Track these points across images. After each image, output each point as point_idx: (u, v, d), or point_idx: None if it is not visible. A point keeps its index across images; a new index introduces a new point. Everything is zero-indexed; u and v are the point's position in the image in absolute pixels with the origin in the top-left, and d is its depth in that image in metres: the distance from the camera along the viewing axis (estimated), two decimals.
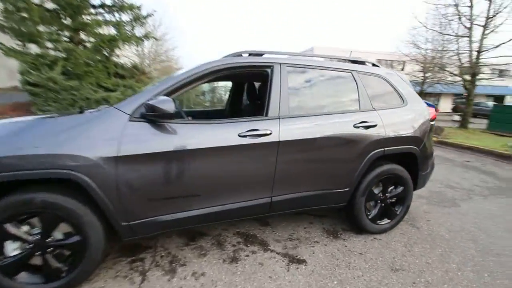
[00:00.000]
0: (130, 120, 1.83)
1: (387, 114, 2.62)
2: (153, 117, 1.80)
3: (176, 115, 1.91)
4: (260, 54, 2.34)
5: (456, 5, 11.53)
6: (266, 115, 2.17)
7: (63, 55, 9.10)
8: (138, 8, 9.89)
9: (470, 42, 11.55)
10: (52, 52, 9.33)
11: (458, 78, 13.08)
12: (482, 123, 15.02)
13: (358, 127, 2.42)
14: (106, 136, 1.76)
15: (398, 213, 2.83)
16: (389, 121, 2.58)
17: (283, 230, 2.78)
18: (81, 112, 2.18)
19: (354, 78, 2.57)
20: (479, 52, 11.49)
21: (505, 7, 10.74)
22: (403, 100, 2.79)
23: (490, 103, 20.48)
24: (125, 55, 11.50)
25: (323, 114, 2.37)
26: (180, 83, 1.99)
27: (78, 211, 1.77)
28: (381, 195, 2.72)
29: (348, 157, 2.43)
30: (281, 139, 2.12)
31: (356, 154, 2.44)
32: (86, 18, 9.65)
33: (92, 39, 9.58)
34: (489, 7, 11.15)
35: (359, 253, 2.42)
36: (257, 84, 3.25)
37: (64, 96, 8.58)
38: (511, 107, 12.46)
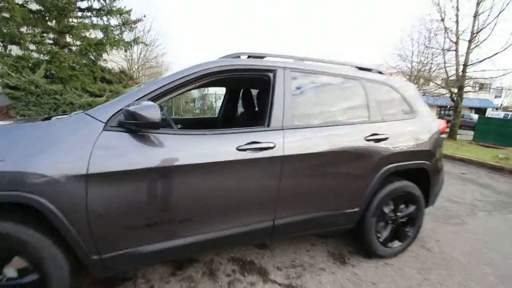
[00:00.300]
0: (105, 130, 1.47)
1: (398, 125, 2.35)
2: (134, 126, 1.45)
3: (163, 124, 1.58)
4: (261, 57, 2.03)
5: (443, 20, 11.68)
6: (268, 125, 1.85)
7: (46, 58, 8.60)
8: (127, 12, 9.53)
9: (457, 56, 11.69)
10: (35, 55, 8.81)
11: (445, 91, 13.22)
12: (468, 134, 15.19)
13: (369, 140, 2.13)
14: (73, 149, 1.39)
15: (409, 234, 2.54)
16: (400, 134, 2.31)
17: (284, 254, 2.43)
18: (47, 118, 1.80)
19: (362, 86, 2.30)
20: (465, 65, 11.64)
21: (488, 23, 10.94)
22: (413, 110, 2.53)
23: (474, 115, 20.90)
24: (113, 60, 11.04)
25: (331, 125, 2.07)
26: (167, 87, 1.64)
27: (35, 243, 1.38)
28: (392, 214, 2.43)
29: (359, 173, 2.13)
30: (285, 153, 1.80)
31: (367, 170, 2.15)
32: (72, 20, 9.21)
33: (78, 43, 9.14)
34: (474, 23, 11.35)
35: (371, 283, 2.10)
36: (253, 91, 2.95)
37: (46, 101, 8.05)
38: (495, 119, 12.63)
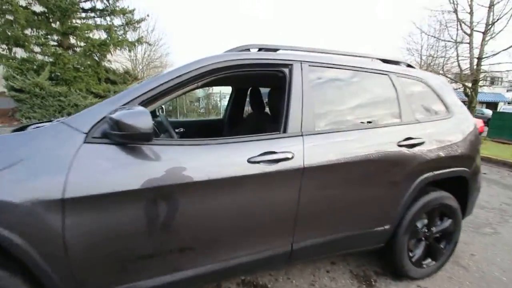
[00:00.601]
0: (86, 142, 1.17)
1: (433, 127, 2.00)
2: (119, 137, 1.15)
3: (157, 133, 1.28)
4: (274, 50, 1.70)
5: (456, 11, 11.12)
6: (284, 130, 1.52)
7: (50, 59, 8.43)
8: (131, 12, 9.29)
9: (471, 48, 11.13)
10: (39, 57, 8.65)
11: (457, 85, 12.66)
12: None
13: (403, 145, 1.79)
14: (45, 167, 1.10)
15: (444, 251, 2.19)
16: (436, 137, 1.96)
17: (301, 276, 2.11)
18: (22, 129, 1.51)
19: (392, 81, 1.95)
20: (479, 58, 11.07)
21: (505, 13, 10.35)
22: (448, 109, 2.17)
23: (486, 110, 20.12)
24: (117, 60, 10.83)
25: (358, 128, 1.73)
26: (163, 88, 1.32)
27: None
28: (426, 230, 2.09)
29: (391, 185, 1.79)
30: (306, 165, 1.48)
31: (400, 180, 1.81)
32: (76, 22, 9.01)
33: (82, 44, 8.94)
34: (488, 14, 10.77)
35: None
36: (261, 90, 2.62)
37: (51, 103, 7.88)
38: (510, 114, 12.02)
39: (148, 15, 9.58)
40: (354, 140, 1.67)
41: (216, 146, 1.37)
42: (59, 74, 8.37)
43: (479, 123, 2.35)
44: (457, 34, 11.79)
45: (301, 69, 1.63)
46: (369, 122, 1.80)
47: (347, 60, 1.84)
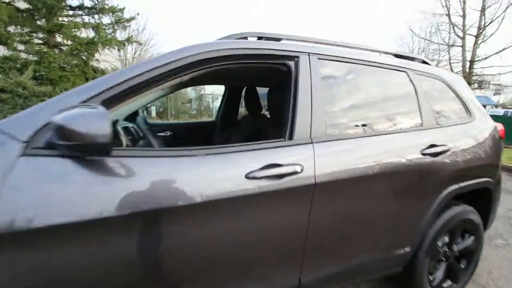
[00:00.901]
0: (25, 155, 0.85)
1: (456, 133, 1.72)
2: (67, 149, 0.83)
3: (136, 139, 0.96)
4: (277, 39, 1.39)
5: (448, 15, 11.07)
6: (290, 137, 1.21)
7: (35, 58, 7.95)
8: (121, 10, 8.89)
9: (464, 51, 11.08)
10: (23, 55, 8.16)
11: None
12: None
13: (426, 154, 1.51)
14: None
15: (465, 272, 1.92)
16: (460, 144, 1.68)
17: None
18: None
19: (411, 79, 1.67)
20: (471, 62, 11.03)
21: (497, 17, 10.33)
22: (469, 111, 1.90)
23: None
24: (106, 60, 10.39)
25: (377, 134, 1.44)
26: (135, 82, 1.00)
27: None
28: (447, 249, 1.81)
29: (415, 200, 1.51)
30: (318, 179, 1.18)
31: (425, 194, 1.52)
32: (62, 19, 8.57)
33: (69, 42, 8.49)
34: (480, 17, 10.74)
35: None
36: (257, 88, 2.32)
37: (35, 103, 7.38)
38: (505, 117, 12.00)
39: (138, 14, 9.19)
40: (373, 148, 1.37)
41: (205, 158, 1.05)
42: (43, 73, 7.90)
43: (499, 126, 2.09)
44: (449, 37, 11.76)
45: (309, 63, 1.32)
46: (389, 127, 1.51)
47: (362, 54, 1.55)
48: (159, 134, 2.34)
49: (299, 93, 1.26)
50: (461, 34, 11.05)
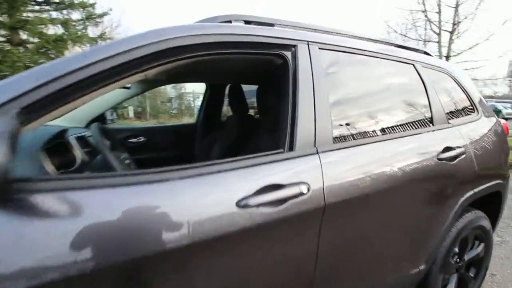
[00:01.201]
0: None
1: (468, 132, 1.53)
2: None
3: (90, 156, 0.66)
4: (269, 24, 1.11)
5: (425, 11, 11.23)
6: (291, 147, 0.94)
7: None
8: (91, 5, 8.28)
9: (440, 47, 11.29)
10: None
11: None
12: None
13: (442, 158, 1.29)
14: None
15: (476, 280, 1.75)
16: (473, 144, 1.49)
17: None
18: None
19: (419, 73, 1.45)
20: (447, 57, 11.25)
21: (470, 14, 10.59)
22: (477, 109, 1.73)
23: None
24: None
25: (391, 137, 1.20)
26: (68, 81, 0.66)
27: None
28: (458, 260, 1.62)
29: (432, 212, 1.29)
30: (328, 200, 0.92)
31: (442, 205, 1.31)
32: (27, 15, 7.86)
33: (36, 39, 7.82)
34: (455, 13, 10.98)
35: None
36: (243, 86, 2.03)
37: None
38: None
39: (111, 9, 8.60)
40: (388, 156, 1.13)
41: (181, 184, 0.76)
42: (7, 73, 7.20)
43: (503, 123, 1.93)
44: (425, 34, 11.93)
45: (309, 53, 1.06)
46: (398, 127, 1.28)
47: (367, 44, 1.30)
48: (130, 140, 2.02)
49: (299, 91, 0.99)
50: (437, 30, 11.25)
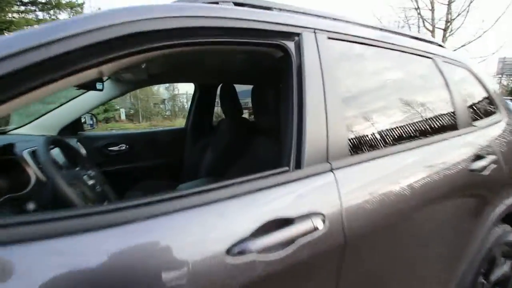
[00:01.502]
0: None
1: (495, 135, 1.33)
2: None
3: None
4: (266, 7, 0.89)
5: (418, 9, 11.13)
6: (298, 164, 0.70)
7: None
8: (80, 6, 7.97)
9: None
10: None
11: None
12: None
13: (474, 169, 1.08)
14: None
15: None
16: (503, 149, 1.29)
17: None
18: None
19: (439, 69, 1.24)
20: None
21: (462, 11, 10.52)
22: (497, 108, 1.52)
23: None
24: None
25: (416, 146, 0.97)
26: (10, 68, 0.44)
27: None
28: (485, 281, 1.42)
29: (462, 234, 1.09)
30: (349, 233, 0.70)
31: (475, 223, 1.11)
32: (12, 15, 7.52)
33: None
34: (447, 11, 10.91)
35: None
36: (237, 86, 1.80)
37: None
38: None
39: (100, 9, 8.28)
40: (415, 169, 0.92)
41: (150, 225, 0.52)
42: None
43: None
44: (418, 31, 11.83)
45: (317, 44, 0.84)
46: (424, 132, 1.06)
47: (385, 34, 1.08)
48: (110, 149, 1.77)
49: (306, 92, 0.77)
50: (430, 28, 11.16)
